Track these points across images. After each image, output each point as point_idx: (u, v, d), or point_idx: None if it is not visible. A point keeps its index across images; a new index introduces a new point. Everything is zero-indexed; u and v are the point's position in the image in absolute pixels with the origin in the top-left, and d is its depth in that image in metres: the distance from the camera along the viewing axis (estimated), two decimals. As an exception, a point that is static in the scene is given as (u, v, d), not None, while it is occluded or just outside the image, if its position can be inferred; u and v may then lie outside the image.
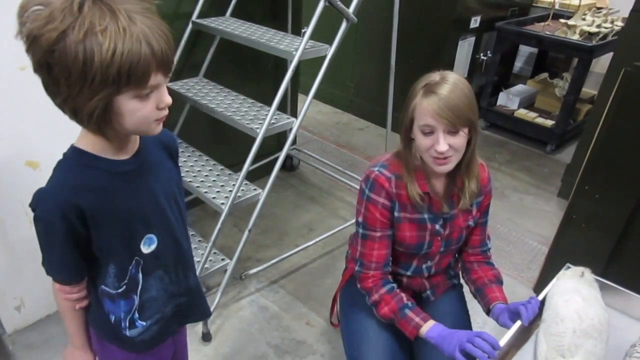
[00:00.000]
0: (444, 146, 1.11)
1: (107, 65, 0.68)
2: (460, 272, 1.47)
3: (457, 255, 1.44)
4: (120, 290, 0.92)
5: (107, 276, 0.91)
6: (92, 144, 0.82)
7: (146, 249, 0.91)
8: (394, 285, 1.29)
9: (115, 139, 0.82)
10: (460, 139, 1.13)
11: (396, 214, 1.25)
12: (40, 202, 0.81)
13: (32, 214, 0.82)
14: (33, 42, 0.69)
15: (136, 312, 0.95)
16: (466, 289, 1.42)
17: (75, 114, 0.75)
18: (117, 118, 0.75)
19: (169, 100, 0.78)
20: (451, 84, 1.11)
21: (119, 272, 0.90)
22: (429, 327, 1.18)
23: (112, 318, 0.95)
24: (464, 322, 1.40)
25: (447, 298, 1.43)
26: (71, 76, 0.69)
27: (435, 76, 1.14)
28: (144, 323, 0.96)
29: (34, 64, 0.72)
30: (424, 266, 1.36)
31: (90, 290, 0.95)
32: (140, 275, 0.92)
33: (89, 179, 0.83)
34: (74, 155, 0.83)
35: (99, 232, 0.85)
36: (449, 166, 1.16)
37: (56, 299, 0.96)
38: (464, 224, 1.30)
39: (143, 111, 0.76)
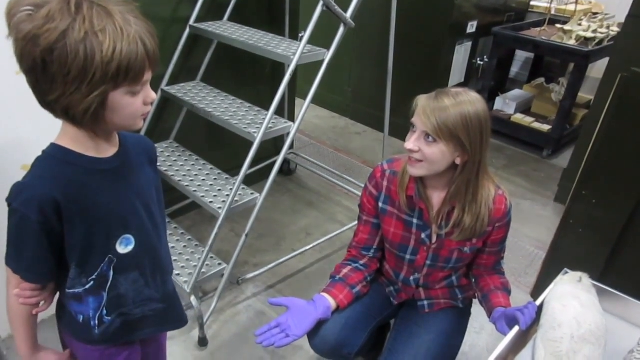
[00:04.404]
0: (409, 144, 1.15)
1: (107, 63, 0.71)
2: (470, 295, 1.45)
3: (473, 281, 1.41)
4: (88, 287, 0.90)
5: (73, 277, 0.89)
6: (72, 142, 0.83)
7: (122, 249, 0.91)
8: (358, 265, 1.38)
9: (100, 136, 0.84)
10: (433, 150, 1.12)
11: (381, 204, 1.31)
12: (18, 195, 0.81)
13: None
14: (31, 41, 0.70)
15: (104, 309, 0.94)
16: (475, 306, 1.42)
17: (67, 111, 0.76)
18: (110, 114, 0.78)
19: (154, 95, 0.84)
20: (459, 101, 1.11)
21: (87, 268, 0.89)
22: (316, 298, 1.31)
23: (80, 318, 0.94)
24: (447, 342, 1.37)
25: (443, 314, 1.41)
26: (70, 74, 0.71)
27: (457, 89, 1.15)
28: (110, 318, 0.95)
29: (28, 63, 0.72)
30: (411, 278, 1.37)
31: (58, 295, 0.94)
32: (111, 273, 0.91)
33: (67, 174, 0.83)
34: (54, 152, 0.84)
35: (72, 229, 0.84)
36: (416, 171, 1.18)
37: (11, 305, 0.92)
38: (456, 246, 1.28)
39: (133, 106, 0.80)
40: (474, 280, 1.40)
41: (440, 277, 1.37)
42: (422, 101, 1.14)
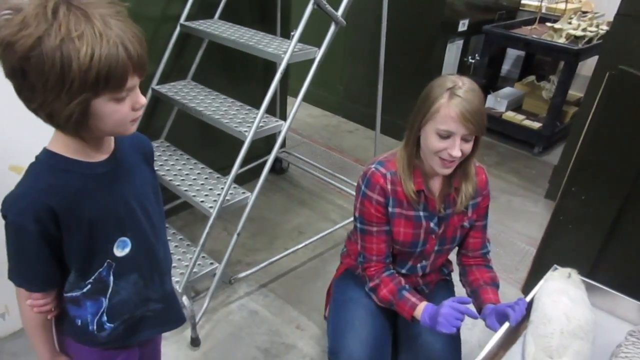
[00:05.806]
0: (458, 152, 1.15)
1: (85, 70, 0.68)
2: (452, 269, 1.51)
3: (460, 273, 1.45)
4: (85, 290, 0.89)
5: (72, 281, 0.89)
6: (65, 147, 0.81)
7: (119, 252, 0.90)
8: (394, 271, 1.34)
9: (90, 141, 0.82)
10: (470, 145, 1.18)
11: (390, 209, 1.29)
12: (12, 206, 0.79)
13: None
14: (7, 49, 0.68)
15: (104, 314, 0.93)
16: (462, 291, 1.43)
17: (51, 118, 0.74)
18: (94, 121, 0.76)
19: (143, 101, 0.80)
20: (471, 90, 1.14)
21: (86, 273, 0.88)
22: (422, 309, 1.23)
23: (79, 322, 0.93)
24: None
25: (439, 289, 1.47)
26: (48, 82, 0.68)
27: (456, 80, 1.15)
28: (112, 325, 0.94)
29: (8, 69, 0.70)
30: (418, 265, 1.38)
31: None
32: (112, 279, 0.90)
33: (61, 182, 0.81)
34: (47, 159, 0.82)
35: (71, 235, 0.83)
36: (451, 169, 1.21)
37: (25, 315, 0.92)
38: (459, 223, 1.33)
39: (120, 113, 0.77)
40: (461, 275, 1.42)
41: (441, 262, 1.42)
42: (452, 107, 1.12)
